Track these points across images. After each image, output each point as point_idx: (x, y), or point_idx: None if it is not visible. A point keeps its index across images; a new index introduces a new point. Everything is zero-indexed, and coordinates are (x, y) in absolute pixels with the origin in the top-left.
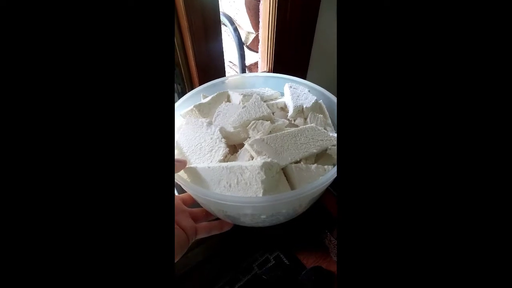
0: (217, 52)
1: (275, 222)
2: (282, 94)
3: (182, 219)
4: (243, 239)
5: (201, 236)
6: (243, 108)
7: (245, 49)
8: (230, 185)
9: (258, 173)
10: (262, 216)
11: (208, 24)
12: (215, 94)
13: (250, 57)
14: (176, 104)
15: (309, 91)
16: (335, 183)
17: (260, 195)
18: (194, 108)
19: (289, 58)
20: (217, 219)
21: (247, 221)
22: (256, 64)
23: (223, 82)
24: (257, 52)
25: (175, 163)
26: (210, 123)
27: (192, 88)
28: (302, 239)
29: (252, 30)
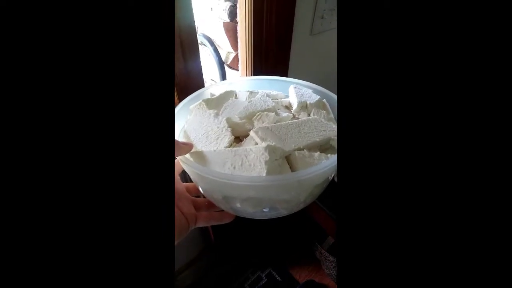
0: (196, 71)
1: (276, 215)
2: (287, 96)
3: (184, 205)
4: (232, 259)
5: (200, 224)
6: (249, 102)
7: (226, 68)
8: (234, 167)
9: (262, 154)
10: (264, 209)
11: (186, 44)
12: (223, 91)
13: (232, 75)
14: (185, 101)
15: (313, 91)
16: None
17: (264, 175)
18: (203, 102)
19: (267, 75)
20: (220, 211)
21: (249, 210)
22: None
23: (230, 83)
24: (237, 70)
25: (182, 146)
26: (217, 114)
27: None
28: (293, 253)
29: (231, 50)
